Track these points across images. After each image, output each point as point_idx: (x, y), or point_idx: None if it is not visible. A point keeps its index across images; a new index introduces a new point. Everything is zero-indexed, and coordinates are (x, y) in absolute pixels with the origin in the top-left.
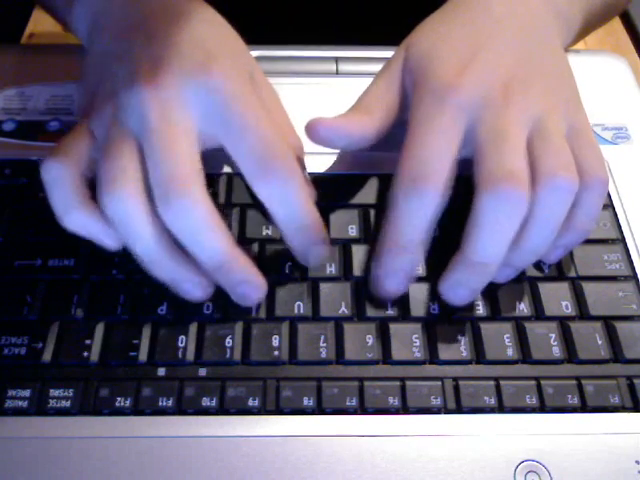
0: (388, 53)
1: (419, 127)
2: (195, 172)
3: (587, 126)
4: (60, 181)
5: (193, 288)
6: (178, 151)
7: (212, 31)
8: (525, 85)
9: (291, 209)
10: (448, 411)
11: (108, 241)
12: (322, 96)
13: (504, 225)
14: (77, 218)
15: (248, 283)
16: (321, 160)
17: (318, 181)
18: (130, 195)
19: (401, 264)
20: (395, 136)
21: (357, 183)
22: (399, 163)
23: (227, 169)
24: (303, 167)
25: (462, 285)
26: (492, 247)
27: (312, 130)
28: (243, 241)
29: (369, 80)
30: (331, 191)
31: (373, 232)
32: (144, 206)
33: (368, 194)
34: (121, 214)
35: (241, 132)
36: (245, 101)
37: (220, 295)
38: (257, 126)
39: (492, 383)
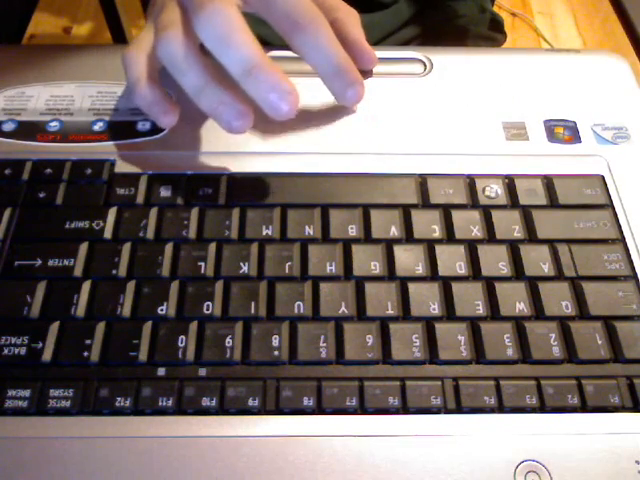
0: (387, 53)
1: None
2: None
3: None
4: (129, 63)
5: (233, 116)
6: None
7: None
8: None
9: (323, 53)
10: (448, 411)
11: (162, 116)
12: (322, 97)
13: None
14: (142, 90)
15: (278, 89)
16: (321, 160)
17: (319, 181)
18: (175, 34)
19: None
20: None
21: (358, 183)
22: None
23: (226, 169)
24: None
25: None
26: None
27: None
28: (243, 241)
29: (368, 81)
30: (331, 191)
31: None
32: (188, 43)
33: (369, 194)
34: (169, 52)
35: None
36: None
37: (220, 295)
38: None
39: (492, 383)
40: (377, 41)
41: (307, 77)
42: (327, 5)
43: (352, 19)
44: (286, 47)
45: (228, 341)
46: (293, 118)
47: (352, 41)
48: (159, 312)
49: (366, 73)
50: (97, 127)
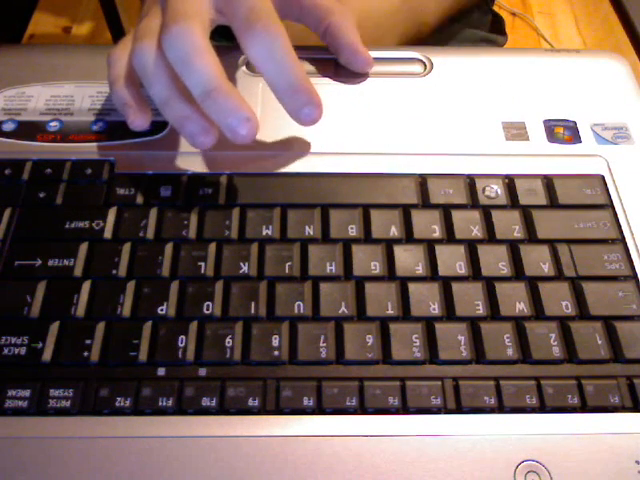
0: (387, 53)
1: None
2: (198, 15)
3: None
4: (111, 63)
5: (196, 131)
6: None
7: None
8: None
9: (277, 64)
10: (448, 411)
11: (134, 118)
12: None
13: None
14: (117, 90)
15: (236, 114)
16: (321, 160)
17: (319, 181)
18: (147, 46)
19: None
20: None
21: (358, 183)
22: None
23: (226, 169)
24: None
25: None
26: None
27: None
28: (243, 241)
29: (367, 81)
30: (331, 191)
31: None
32: (158, 55)
33: (369, 194)
34: (139, 63)
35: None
36: None
37: (220, 295)
38: None
39: (492, 383)
40: None
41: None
42: (322, 9)
43: (347, 22)
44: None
45: (228, 341)
46: (252, 144)
47: (346, 44)
48: (159, 312)
49: (365, 73)
50: (97, 127)
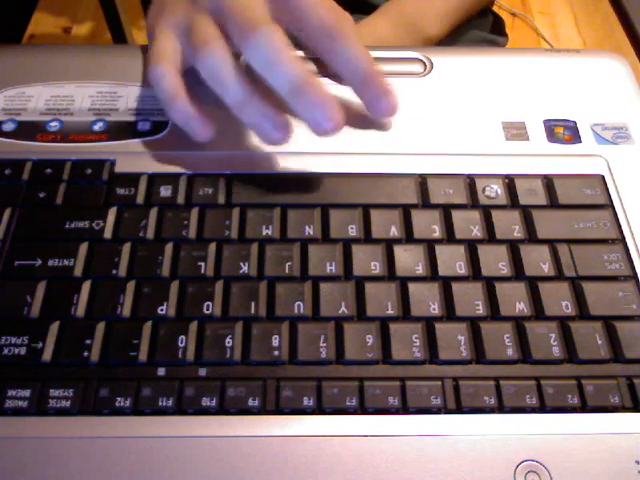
0: (387, 53)
1: None
2: (269, 19)
3: None
4: (163, 77)
5: (274, 128)
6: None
7: None
8: None
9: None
10: (448, 411)
11: (201, 130)
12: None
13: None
14: (180, 105)
15: (323, 107)
16: (321, 160)
17: (319, 181)
18: (218, 49)
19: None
20: None
21: (358, 183)
22: None
23: (226, 169)
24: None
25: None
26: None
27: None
28: (243, 241)
29: None
30: (331, 191)
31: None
32: (230, 58)
33: (369, 194)
34: (213, 67)
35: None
36: None
37: (220, 295)
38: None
39: (492, 383)
40: None
41: None
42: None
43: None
44: None
45: (228, 341)
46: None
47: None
48: (159, 312)
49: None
50: (97, 127)
